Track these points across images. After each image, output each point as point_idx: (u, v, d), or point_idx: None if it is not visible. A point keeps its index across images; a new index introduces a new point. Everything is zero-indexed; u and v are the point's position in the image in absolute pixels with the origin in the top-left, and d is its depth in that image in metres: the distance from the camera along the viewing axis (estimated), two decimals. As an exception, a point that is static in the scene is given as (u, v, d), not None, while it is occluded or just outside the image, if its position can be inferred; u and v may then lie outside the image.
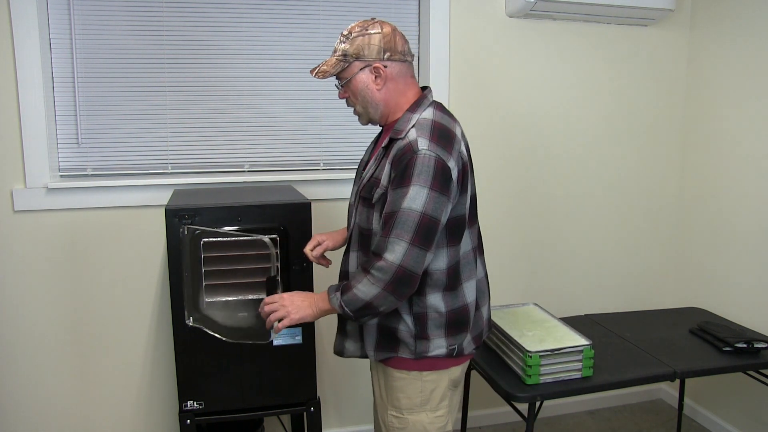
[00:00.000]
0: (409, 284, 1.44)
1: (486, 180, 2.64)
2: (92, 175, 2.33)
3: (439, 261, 1.51)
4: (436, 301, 1.52)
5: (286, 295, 1.57)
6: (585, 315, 2.54)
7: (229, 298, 1.88)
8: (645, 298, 2.95)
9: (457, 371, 1.63)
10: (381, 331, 1.56)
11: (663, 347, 2.15)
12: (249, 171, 2.48)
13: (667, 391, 3.03)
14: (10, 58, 2.13)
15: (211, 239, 1.85)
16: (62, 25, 2.24)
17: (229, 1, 2.37)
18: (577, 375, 1.91)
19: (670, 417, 2.87)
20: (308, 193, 2.36)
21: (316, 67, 1.58)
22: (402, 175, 1.43)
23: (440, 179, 1.42)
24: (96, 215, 2.29)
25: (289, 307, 1.54)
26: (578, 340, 1.93)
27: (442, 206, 1.43)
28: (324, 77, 1.56)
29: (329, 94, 2.50)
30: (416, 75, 2.59)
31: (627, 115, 2.79)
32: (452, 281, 1.53)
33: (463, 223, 1.53)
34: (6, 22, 2.11)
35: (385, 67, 1.51)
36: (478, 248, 1.64)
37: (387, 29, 1.52)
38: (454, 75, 2.54)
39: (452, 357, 1.56)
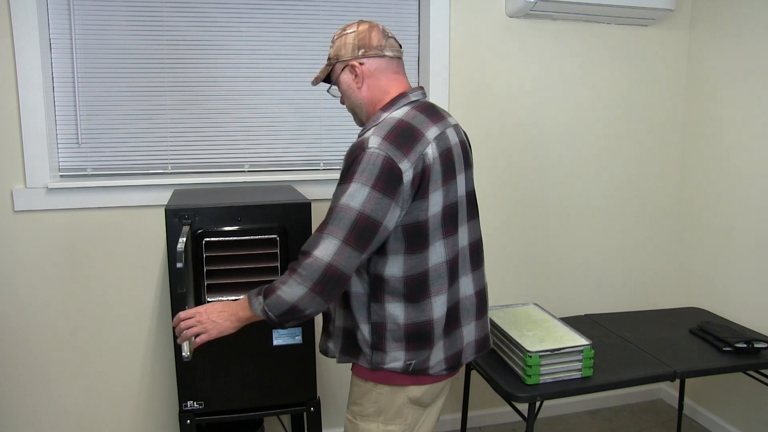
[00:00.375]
0: (338, 284, 1.35)
1: (485, 179, 2.64)
2: (92, 175, 2.33)
3: (394, 268, 1.42)
4: (396, 311, 1.44)
5: (202, 308, 1.47)
6: (585, 315, 2.54)
7: (231, 297, 1.88)
8: (645, 298, 2.95)
9: (418, 391, 1.50)
10: (346, 335, 1.52)
11: (663, 347, 2.15)
12: (249, 171, 2.48)
13: (667, 391, 3.03)
14: (10, 58, 2.13)
15: (213, 239, 1.85)
16: (62, 25, 2.24)
17: (229, 1, 2.37)
18: (577, 375, 1.91)
19: (670, 417, 2.87)
20: (308, 193, 2.36)
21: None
22: (346, 171, 1.38)
23: (385, 179, 1.34)
24: (96, 215, 2.29)
25: (206, 322, 1.46)
26: (578, 340, 1.93)
27: (384, 208, 1.35)
28: (316, 83, 1.59)
29: (329, 95, 2.50)
30: (413, 73, 2.61)
31: (627, 115, 2.80)
32: (415, 293, 1.44)
33: (423, 231, 1.42)
34: (6, 22, 2.11)
35: (361, 64, 1.49)
36: (470, 262, 1.54)
37: (363, 27, 1.50)
38: (454, 75, 2.55)
39: (410, 374, 1.46)
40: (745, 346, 2.10)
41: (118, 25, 2.28)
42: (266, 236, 1.89)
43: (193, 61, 2.37)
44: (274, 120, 2.48)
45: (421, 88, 1.55)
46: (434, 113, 1.49)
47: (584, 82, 2.71)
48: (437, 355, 1.48)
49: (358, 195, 1.34)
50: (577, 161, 2.76)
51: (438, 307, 1.46)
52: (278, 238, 1.89)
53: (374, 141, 1.37)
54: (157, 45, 2.33)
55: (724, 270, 2.64)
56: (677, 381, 2.63)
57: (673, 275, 2.97)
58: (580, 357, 1.90)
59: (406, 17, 2.56)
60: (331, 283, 1.35)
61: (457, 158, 1.48)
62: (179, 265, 1.59)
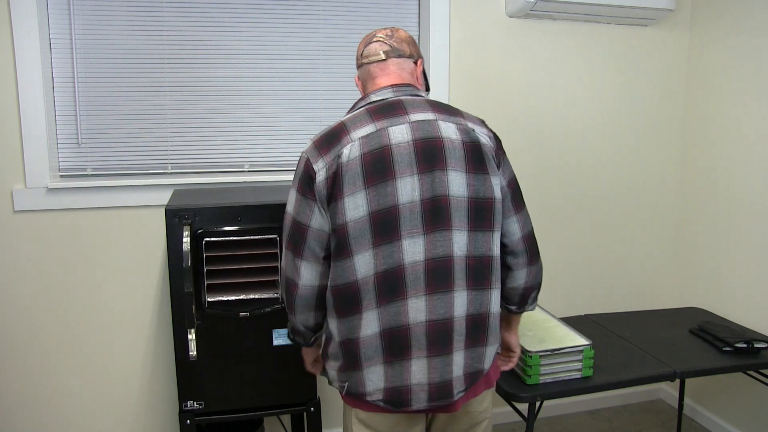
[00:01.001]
0: (290, 293, 1.39)
1: (486, 180, 2.64)
2: (92, 175, 2.33)
3: (329, 277, 1.39)
4: (332, 325, 1.40)
5: None
6: (585, 315, 2.54)
7: (231, 297, 1.88)
8: (645, 298, 2.95)
9: (363, 415, 1.42)
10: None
11: (663, 347, 2.15)
12: (249, 171, 2.48)
13: (667, 391, 3.03)
14: (10, 58, 2.13)
15: (213, 239, 1.85)
16: (62, 25, 2.23)
17: (229, 1, 2.37)
18: (577, 375, 1.91)
19: (670, 417, 2.87)
20: (308, 193, 2.36)
21: None
22: None
23: (303, 181, 1.37)
24: (96, 215, 2.29)
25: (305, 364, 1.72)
26: (578, 340, 1.93)
27: (306, 209, 1.36)
28: None
29: (329, 94, 2.50)
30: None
31: (627, 115, 2.80)
32: (344, 306, 1.36)
33: (343, 236, 1.33)
34: (6, 22, 2.11)
35: (358, 78, 1.55)
36: (427, 283, 1.34)
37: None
38: (454, 75, 2.54)
39: (350, 395, 1.40)
40: (745, 346, 2.10)
41: (118, 25, 2.28)
42: (266, 236, 1.89)
43: (193, 61, 2.37)
44: (274, 120, 2.48)
45: (397, 85, 1.46)
46: (387, 111, 1.40)
47: (584, 82, 2.71)
48: (374, 382, 1.36)
49: (291, 200, 1.40)
50: (577, 161, 2.76)
51: (366, 324, 1.34)
52: (278, 238, 1.89)
53: (306, 146, 1.43)
54: (157, 45, 2.33)
55: (724, 270, 2.64)
56: (677, 381, 2.63)
57: (673, 275, 2.97)
58: (580, 357, 1.91)
59: (406, 17, 2.56)
60: (285, 291, 1.42)
61: (399, 157, 1.35)
62: (185, 264, 1.61)
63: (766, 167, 2.42)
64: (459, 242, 1.36)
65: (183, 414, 1.91)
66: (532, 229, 1.50)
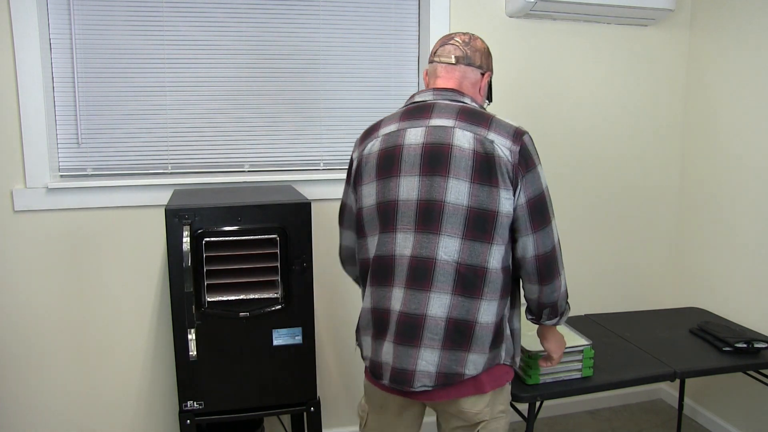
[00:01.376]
0: (339, 249, 1.69)
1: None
2: (92, 175, 2.33)
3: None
4: (363, 290, 1.58)
5: None
6: (585, 315, 2.54)
7: (231, 297, 1.88)
8: (645, 298, 2.95)
9: (365, 382, 1.60)
10: None
11: (663, 347, 2.15)
12: (249, 171, 2.48)
13: (667, 391, 3.03)
14: (10, 58, 2.13)
15: (213, 239, 1.85)
16: (62, 25, 2.24)
17: (229, 1, 2.37)
18: (577, 375, 1.91)
19: (670, 417, 2.87)
20: (308, 193, 2.36)
21: None
22: None
23: (349, 165, 1.59)
24: (96, 215, 2.29)
25: None
26: (578, 340, 1.93)
27: (345, 189, 1.61)
28: None
29: (329, 94, 2.50)
30: (413, 73, 2.61)
31: (626, 115, 2.80)
32: (362, 276, 1.56)
33: (359, 219, 1.53)
34: (6, 22, 2.11)
35: (426, 72, 1.60)
36: (407, 277, 1.41)
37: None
38: (454, 75, 2.54)
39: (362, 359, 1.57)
40: (745, 346, 2.10)
41: (118, 25, 2.28)
42: (266, 236, 1.89)
43: (193, 61, 2.37)
44: (274, 120, 2.48)
45: (441, 89, 1.50)
46: (415, 113, 1.47)
47: (584, 83, 2.71)
48: (366, 349, 1.53)
49: None
50: (576, 161, 2.76)
51: (367, 298, 1.52)
52: (278, 238, 1.89)
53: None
54: (157, 45, 2.33)
55: (724, 270, 2.64)
56: (677, 381, 2.63)
57: (673, 275, 2.97)
58: (580, 357, 1.91)
59: (406, 17, 2.56)
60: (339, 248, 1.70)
61: (407, 158, 1.42)
62: (185, 264, 1.61)
63: (766, 167, 2.42)
64: (447, 248, 1.39)
65: (183, 414, 1.91)
66: (553, 250, 1.45)
